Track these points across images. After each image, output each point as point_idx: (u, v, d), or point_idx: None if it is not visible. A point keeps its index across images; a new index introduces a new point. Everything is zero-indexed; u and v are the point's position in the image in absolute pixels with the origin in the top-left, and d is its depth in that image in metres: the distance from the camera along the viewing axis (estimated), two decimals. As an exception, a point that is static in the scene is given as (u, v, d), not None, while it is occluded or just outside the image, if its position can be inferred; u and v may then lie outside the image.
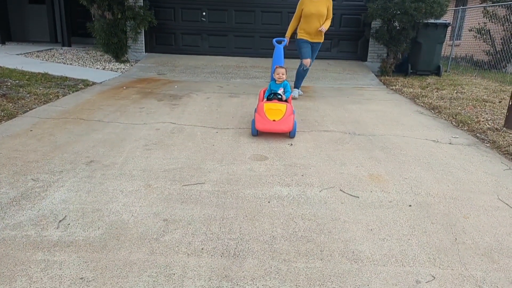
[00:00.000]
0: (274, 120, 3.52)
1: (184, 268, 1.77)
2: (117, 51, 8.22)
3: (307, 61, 5.43)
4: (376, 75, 7.76)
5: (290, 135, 3.63)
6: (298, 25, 5.39)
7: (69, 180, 2.62)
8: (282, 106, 3.65)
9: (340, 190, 2.64)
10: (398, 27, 7.55)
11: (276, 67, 4.02)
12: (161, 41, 9.15)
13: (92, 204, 2.32)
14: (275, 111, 3.57)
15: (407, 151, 3.45)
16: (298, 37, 5.43)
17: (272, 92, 3.92)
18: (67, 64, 7.84)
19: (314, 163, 3.08)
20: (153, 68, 7.85)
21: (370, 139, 3.74)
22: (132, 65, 8.05)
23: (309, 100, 5.47)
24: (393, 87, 6.63)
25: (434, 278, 1.79)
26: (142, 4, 8.29)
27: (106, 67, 7.72)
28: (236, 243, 1.98)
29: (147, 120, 4.14)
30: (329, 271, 1.79)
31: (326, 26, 5.30)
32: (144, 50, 8.88)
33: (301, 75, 5.64)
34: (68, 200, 2.35)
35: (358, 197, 2.55)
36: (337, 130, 4.00)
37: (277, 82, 3.99)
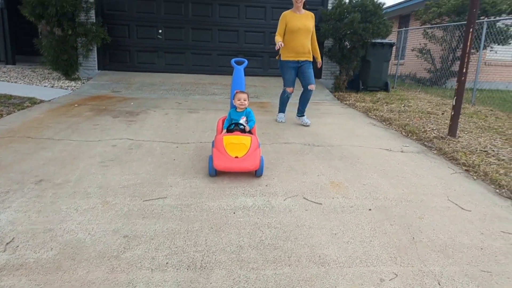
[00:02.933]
0: (236, 157, 2.87)
1: (148, 284, 1.69)
2: (67, 68, 7.89)
3: (290, 90, 4.89)
4: (330, 91, 8.08)
5: (256, 174, 2.98)
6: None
7: (17, 200, 2.43)
8: (245, 139, 3.00)
9: (304, 198, 2.68)
10: (349, 46, 7.97)
11: (236, 92, 3.32)
12: (115, 59, 8.92)
13: (44, 224, 2.16)
14: (237, 145, 2.94)
15: (364, 160, 3.59)
16: (282, 59, 4.78)
17: (233, 122, 3.27)
18: (12, 82, 7.38)
19: (277, 173, 3.11)
20: (107, 85, 7.61)
21: (328, 150, 3.86)
22: (83, 83, 7.74)
23: (269, 115, 5.56)
24: (347, 102, 6.93)
25: (397, 275, 1.85)
26: (94, 20, 8.09)
27: (55, 85, 7.37)
28: (202, 255, 1.93)
29: (102, 137, 3.98)
30: (297, 276, 1.79)
31: (319, 57, 4.93)
32: (96, 68, 8.60)
33: (285, 101, 5.12)
34: (15, 221, 2.18)
35: (321, 203, 2.60)
36: (297, 142, 4.09)
37: (238, 109, 3.32)
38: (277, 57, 4.88)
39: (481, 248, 2.14)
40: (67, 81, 7.85)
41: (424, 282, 1.81)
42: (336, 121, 5.28)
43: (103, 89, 7.32)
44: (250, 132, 3.24)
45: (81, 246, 1.95)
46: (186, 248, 1.98)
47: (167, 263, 1.85)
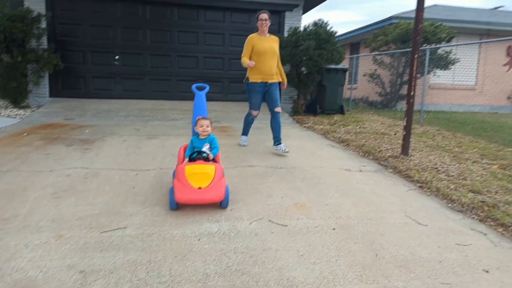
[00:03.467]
0: (199, 188, 2.69)
1: (109, 320, 1.58)
2: (16, 96, 7.48)
3: (255, 113, 4.88)
4: (289, 115, 8.28)
5: (221, 205, 2.78)
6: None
7: (-43, 238, 2.21)
8: (209, 168, 2.82)
9: (269, 220, 2.67)
10: (305, 72, 8.28)
11: (198, 119, 3.16)
12: (69, 85, 8.62)
13: (-11, 263, 1.97)
14: (200, 175, 2.74)
15: (325, 180, 3.68)
16: (250, 81, 4.76)
17: (196, 149, 3.08)
18: (-48, 111, 6.86)
19: (241, 197, 3.09)
20: (59, 113, 7.28)
21: (291, 172, 3.91)
22: (33, 111, 7.35)
23: (231, 139, 5.56)
24: (306, 125, 7.13)
25: (364, 294, 1.87)
26: (46, 46, 7.81)
27: (2, 114, 6.94)
28: (166, 286, 1.84)
29: (55, 167, 3.77)
30: (266, 301, 1.76)
31: (285, 78, 4.99)
32: (48, 95, 8.24)
33: (249, 123, 5.07)
34: (-45, 262, 1.97)
35: (287, 225, 2.60)
36: (260, 165, 4.11)
37: (200, 136, 3.13)
38: (244, 80, 4.87)
39: (440, 261, 2.23)
40: (15, 109, 7.42)
41: (390, 298, 1.84)
42: (297, 144, 5.39)
43: (55, 116, 6.99)
44: (214, 160, 3.07)
45: (33, 285, 1.80)
46: (149, 280, 1.89)
47: (129, 297, 1.75)
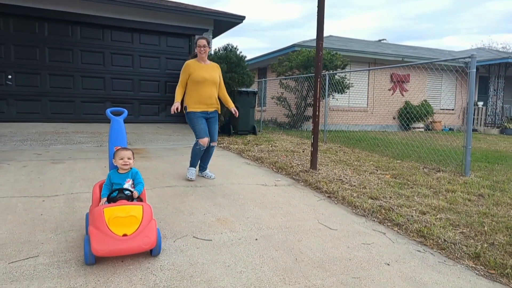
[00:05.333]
0: (124, 235, 2.18)
1: None
2: None
3: (204, 141, 4.30)
4: (204, 136, 8.37)
5: (152, 253, 2.32)
6: (183, 94, 4.37)
7: None
8: (135, 209, 2.31)
9: (194, 237, 2.70)
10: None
11: (117, 150, 2.62)
12: None
13: None
14: (124, 219, 2.23)
15: (244, 195, 3.84)
16: (188, 110, 4.35)
17: (115, 187, 2.54)
18: None
19: (163, 217, 3.06)
20: None
21: (211, 189, 3.99)
22: None
23: (146, 161, 5.42)
24: (221, 145, 7.29)
25: (288, 293, 2.03)
26: None
27: None
28: (92, 310, 1.75)
29: None
30: (198, 312, 1.80)
31: (232, 105, 4.62)
32: None
33: (197, 153, 4.42)
34: None
35: (211, 239, 2.67)
36: (179, 185, 4.10)
37: (120, 171, 2.61)
38: (183, 110, 4.39)
39: (349, 259, 2.52)
40: None
41: (311, 294, 2.03)
42: (215, 163, 5.48)
43: None
44: (139, 198, 2.57)
45: None
46: (71, 307, 1.77)
47: (50, 326, 1.62)
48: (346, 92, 11.53)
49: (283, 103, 12.26)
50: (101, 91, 8.88)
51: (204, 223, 2.99)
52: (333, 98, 11.69)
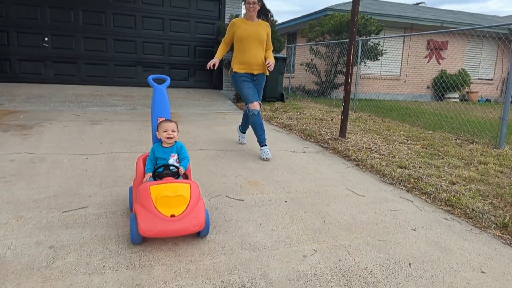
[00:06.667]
0: (172, 216, 2.03)
1: (89, 286, 1.66)
2: None
3: (254, 105, 3.98)
4: (233, 102, 8.47)
5: (200, 234, 2.18)
6: (226, 52, 4.14)
7: None
8: (183, 188, 2.14)
9: (227, 196, 2.86)
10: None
11: (161, 122, 2.44)
12: (-8, 68, 7.88)
13: None
14: (172, 199, 2.07)
15: (273, 161, 3.95)
16: (234, 71, 4.09)
17: (160, 163, 2.37)
18: None
19: (197, 177, 3.23)
20: (-16, 97, 6.66)
21: (241, 154, 4.12)
22: (-48, 95, 6.64)
23: (179, 125, 5.59)
24: (250, 111, 7.37)
25: (316, 251, 2.16)
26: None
27: None
28: (139, 255, 1.95)
29: (-6, 152, 3.55)
30: (233, 262, 1.96)
31: (272, 59, 4.11)
32: (-32, 78, 7.47)
33: (255, 122, 4.02)
34: None
35: (243, 200, 2.82)
36: (210, 148, 4.25)
37: (164, 144, 2.43)
38: (229, 72, 4.23)
39: (376, 224, 2.61)
40: None
41: (338, 254, 2.15)
42: (244, 128, 5.60)
43: (-20, 101, 6.39)
44: (185, 175, 2.38)
45: (3, 261, 1.79)
46: (121, 251, 1.98)
47: (104, 266, 1.83)
48: (379, 59, 11.17)
49: (312, 69, 12.05)
50: (132, 55, 9.04)
51: (236, 184, 3.14)
52: (364, 66, 11.35)
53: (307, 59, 12.36)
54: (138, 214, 2.02)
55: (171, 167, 2.32)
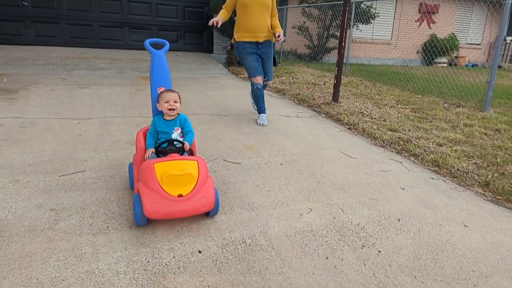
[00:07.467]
0: (180, 196, 1.88)
1: (94, 245, 1.71)
2: None
3: (257, 80, 3.90)
4: (224, 66, 8.32)
5: (209, 214, 2.04)
6: (227, 18, 3.85)
7: None
8: (190, 165, 1.97)
9: (224, 160, 2.89)
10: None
11: (161, 92, 2.20)
12: (-32, 29, 7.50)
13: None
14: (179, 178, 1.90)
15: (268, 125, 3.97)
16: (236, 40, 3.88)
17: (162, 137, 2.18)
18: None
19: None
20: (-37, 60, 6.39)
21: (236, 118, 4.12)
22: None
23: (168, 88, 5.51)
24: (242, 76, 7.28)
25: (311, 210, 2.24)
26: None
27: None
28: (141, 216, 1.99)
29: (-18, 117, 3.47)
30: (233, 221, 2.03)
31: (280, 29, 3.87)
32: None
33: (257, 95, 4.01)
34: None
35: (240, 163, 2.86)
36: (204, 113, 4.24)
37: (166, 117, 2.21)
38: (232, 40, 4.02)
39: (368, 184, 2.70)
40: None
41: (332, 212, 2.24)
42: (236, 93, 5.56)
43: (-40, 64, 6.14)
44: (190, 150, 2.20)
45: (5, 223, 1.82)
46: (123, 213, 2.02)
47: (107, 226, 1.87)
48: (371, 22, 10.99)
49: (304, 33, 11.80)
50: (118, 15, 8.67)
51: (232, 148, 3.17)
52: (357, 29, 11.17)
53: (299, 22, 12.07)
54: (143, 195, 1.85)
55: (175, 143, 2.13)
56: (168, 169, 1.90)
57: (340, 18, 5.74)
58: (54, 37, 8.31)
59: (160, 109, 2.20)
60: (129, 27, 8.78)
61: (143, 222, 1.87)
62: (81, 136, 3.18)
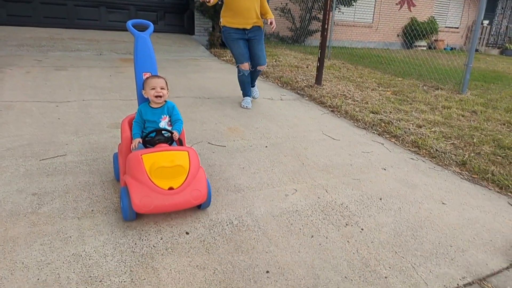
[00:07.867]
0: (170, 189, 1.79)
1: (80, 229, 1.69)
2: None
3: (244, 66, 3.84)
4: (206, 48, 8.18)
5: (201, 207, 1.97)
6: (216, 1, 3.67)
7: None
8: (180, 156, 1.88)
9: (208, 143, 2.89)
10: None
11: (147, 78, 2.07)
12: None
13: None
14: (169, 170, 1.81)
15: (252, 108, 3.96)
16: (222, 24, 3.78)
17: (148, 126, 2.06)
18: None
19: (176, 123, 3.21)
20: None
21: (219, 101, 4.09)
22: None
23: (149, 71, 5.40)
24: (224, 58, 7.19)
25: (296, 190, 2.28)
26: None
27: None
28: (126, 199, 1.98)
29: (-47, 100, 3.32)
30: (220, 203, 2.04)
31: (272, 16, 3.77)
32: None
33: (243, 81, 4.01)
34: None
35: (225, 146, 2.86)
36: (187, 96, 4.18)
37: (153, 105, 2.08)
38: (219, 23, 3.88)
39: (350, 165, 2.75)
40: None
41: (316, 192, 2.28)
42: (219, 76, 5.50)
43: None
44: (180, 141, 2.10)
45: (-16, 209, 1.77)
46: (107, 196, 2.00)
47: (92, 210, 1.85)
48: (353, 5, 10.97)
49: (287, 15, 11.69)
50: (96, -5, 8.36)
51: (217, 131, 3.16)
52: (339, 12, 11.14)
53: (281, 3, 11.93)
54: (131, 188, 1.75)
55: (164, 132, 2.00)
56: (158, 160, 1.80)
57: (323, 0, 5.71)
58: (27, 17, 7.95)
59: (146, 96, 2.06)
60: (106, 7, 8.48)
61: (132, 217, 1.79)
62: (60, 119, 3.10)
